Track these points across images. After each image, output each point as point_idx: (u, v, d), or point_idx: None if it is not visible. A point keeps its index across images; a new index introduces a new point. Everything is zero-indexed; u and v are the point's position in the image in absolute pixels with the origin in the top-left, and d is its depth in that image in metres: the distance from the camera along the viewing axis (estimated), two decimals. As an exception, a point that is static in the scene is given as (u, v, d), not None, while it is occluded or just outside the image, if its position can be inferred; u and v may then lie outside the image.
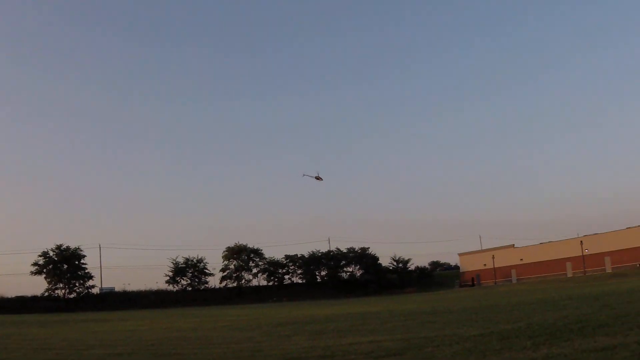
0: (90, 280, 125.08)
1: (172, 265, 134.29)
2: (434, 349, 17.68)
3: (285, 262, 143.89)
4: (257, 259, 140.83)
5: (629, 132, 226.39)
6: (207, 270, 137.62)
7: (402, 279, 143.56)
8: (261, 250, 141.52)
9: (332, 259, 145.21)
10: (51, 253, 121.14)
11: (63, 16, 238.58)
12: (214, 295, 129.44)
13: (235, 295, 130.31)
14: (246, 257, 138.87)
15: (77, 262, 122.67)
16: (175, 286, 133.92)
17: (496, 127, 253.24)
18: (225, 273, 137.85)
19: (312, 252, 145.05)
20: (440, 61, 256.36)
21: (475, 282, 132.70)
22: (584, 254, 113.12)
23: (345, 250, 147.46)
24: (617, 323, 19.48)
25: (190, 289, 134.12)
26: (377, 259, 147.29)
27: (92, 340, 29.69)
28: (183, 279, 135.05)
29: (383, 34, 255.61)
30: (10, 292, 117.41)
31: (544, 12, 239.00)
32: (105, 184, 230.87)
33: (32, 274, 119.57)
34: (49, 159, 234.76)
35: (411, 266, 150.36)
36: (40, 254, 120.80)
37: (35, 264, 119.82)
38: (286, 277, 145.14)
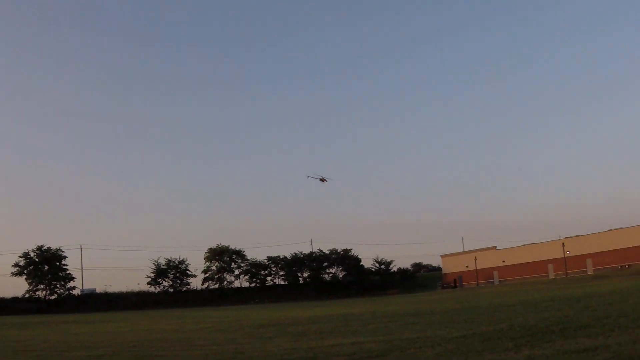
0: (72, 282, 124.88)
1: (153, 266, 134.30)
2: (417, 350, 17.64)
3: (267, 263, 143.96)
4: (239, 261, 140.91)
5: (611, 135, 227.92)
6: (189, 272, 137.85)
7: (384, 280, 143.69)
8: (243, 251, 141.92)
9: (315, 261, 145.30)
10: (32, 254, 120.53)
11: (42, 12, 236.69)
12: (196, 297, 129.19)
13: (217, 296, 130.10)
14: (228, 259, 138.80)
15: (58, 263, 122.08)
16: (157, 287, 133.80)
17: (479, 129, 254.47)
18: (207, 274, 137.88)
19: (295, 253, 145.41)
20: (421, 60, 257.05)
21: (457, 284, 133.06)
22: (566, 255, 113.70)
23: (327, 252, 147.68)
24: (598, 324, 19.54)
25: (172, 290, 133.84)
26: (360, 261, 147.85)
27: (74, 342, 29.58)
28: (165, 281, 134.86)
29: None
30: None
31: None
32: (87, 184, 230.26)
33: (12, 275, 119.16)
34: (30, 159, 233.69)
35: (394, 268, 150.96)
36: (20, 254, 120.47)
37: (15, 265, 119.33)
38: (268, 278, 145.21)
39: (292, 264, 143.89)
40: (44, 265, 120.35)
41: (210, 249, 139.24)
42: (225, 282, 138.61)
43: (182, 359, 20.33)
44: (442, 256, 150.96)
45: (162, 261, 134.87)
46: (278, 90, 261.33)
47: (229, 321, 45.10)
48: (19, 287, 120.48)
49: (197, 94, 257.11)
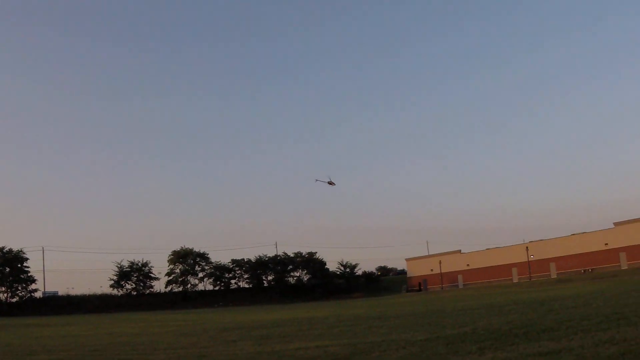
0: (33, 284, 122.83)
1: (116, 269, 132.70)
2: (381, 353, 17.66)
3: (231, 266, 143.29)
4: (204, 263, 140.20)
5: (574, 140, 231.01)
6: (152, 274, 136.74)
7: (349, 283, 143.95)
8: (207, 254, 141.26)
9: (279, 264, 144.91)
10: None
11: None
12: (159, 300, 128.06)
13: (181, 299, 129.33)
14: (192, 261, 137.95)
15: (19, 265, 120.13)
16: (120, 290, 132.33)
17: (441, 133, 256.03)
18: (170, 277, 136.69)
19: (259, 256, 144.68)
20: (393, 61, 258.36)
21: (422, 287, 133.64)
22: (530, 259, 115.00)
23: (292, 255, 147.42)
24: (561, 328, 19.64)
25: (135, 293, 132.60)
26: (325, 264, 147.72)
27: (35, 346, 29.25)
28: (128, 283, 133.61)
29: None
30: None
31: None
32: (49, 185, 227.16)
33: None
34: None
35: (359, 271, 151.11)
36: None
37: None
38: (232, 281, 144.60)
39: (257, 267, 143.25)
40: (5, 267, 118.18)
41: (174, 251, 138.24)
42: (189, 285, 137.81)
43: (145, 363, 20.08)
44: (407, 260, 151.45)
45: (125, 263, 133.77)
46: (245, 92, 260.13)
47: (193, 324, 44.93)
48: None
49: (162, 94, 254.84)
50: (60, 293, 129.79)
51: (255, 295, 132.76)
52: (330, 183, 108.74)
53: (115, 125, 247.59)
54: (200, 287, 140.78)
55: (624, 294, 36.66)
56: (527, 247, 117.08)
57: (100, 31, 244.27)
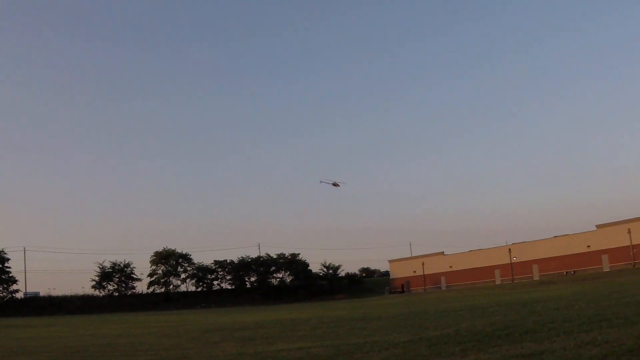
0: (14, 285, 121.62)
1: (98, 269, 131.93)
2: (364, 355, 17.62)
3: (214, 267, 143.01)
4: (186, 264, 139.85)
5: (556, 143, 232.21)
6: (134, 275, 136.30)
7: (332, 285, 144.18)
8: (190, 255, 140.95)
9: (262, 265, 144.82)
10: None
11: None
12: (141, 301, 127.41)
13: (163, 300, 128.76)
14: (174, 262, 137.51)
15: (1, 266, 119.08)
16: (102, 291, 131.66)
17: (425, 136, 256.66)
18: (153, 278, 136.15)
19: (242, 257, 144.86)
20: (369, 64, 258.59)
21: (405, 289, 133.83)
22: (512, 261, 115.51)
23: (275, 256, 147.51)
24: (544, 329, 19.65)
25: (117, 294, 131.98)
26: (308, 265, 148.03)
27: (16, 347, 29.00)
28: (110, 284, 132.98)
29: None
30: None
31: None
32: (31, 185, 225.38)
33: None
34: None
35: (341, 273, 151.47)
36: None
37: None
38: (215, 282, 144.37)
39: (239, 268, 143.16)
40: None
41: (157, 252, 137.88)
42: (172, 286, 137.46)
43: (126, 364, 19.95)
44: (390, 261, 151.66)
45: (107, 264, 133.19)
46: (228, 92, 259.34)
47: (175, 326, 44.77)
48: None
49: (145, 94, 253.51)
50: (41, 294, 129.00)
51: (238, 296, 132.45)
52: (335, 184, 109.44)
53: (98, 125, 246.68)
54: (183, 288, 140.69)
55: (606, 295, 36.81)
56: (509, 249, 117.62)
57: (88, 28, 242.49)
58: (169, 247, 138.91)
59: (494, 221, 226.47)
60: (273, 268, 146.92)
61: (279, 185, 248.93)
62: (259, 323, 40.89)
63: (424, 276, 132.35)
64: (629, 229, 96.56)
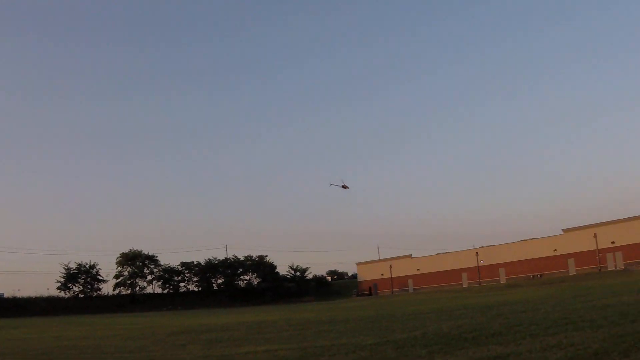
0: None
1: (64, 270, 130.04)
2: (330, 357, 17.63)
3: (181, 269, 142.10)
4: (152, 266, 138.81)
5: (524, 149, 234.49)
6: (100, 277, 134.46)
7: (300, 287, 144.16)
8: (156, 256, 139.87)
9: (229, 267, 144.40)
10: None
11: None
12: (107, 303, 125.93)
13: (129, 302, 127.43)
14: (141, 264, 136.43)
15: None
16: (67, 293, 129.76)
17: (390, 137, 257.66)
18: (119, 280, 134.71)
19: (209, 259, 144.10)
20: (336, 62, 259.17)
21: (372, 292, 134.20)
22: (479, 264, 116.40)
23: (242, 258, 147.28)
24: (510, 332, 19.78)
25: (82, 295, 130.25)
26: (275, 267, 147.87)
27: (-22, 350, 28.44)
28: (75, 286, 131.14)
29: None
30: None
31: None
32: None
33: None
34: None
35: (309, 275, 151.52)
36: None
37: None
38: (182, 284, 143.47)
39: (206, 270, 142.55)
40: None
41: (123, 253, 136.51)
42: (138, 288, 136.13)
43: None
44: (358, 264, 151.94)
45: (73, 265, 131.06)
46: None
47: (141, 328, 44.49)
48: None
49: (109, 93, 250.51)
50: (6, 295, 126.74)
51: (205, 298, 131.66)
52: (344, 187, 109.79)
53: (60, 124, 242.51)
54: (149, 290, 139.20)
55: (571, 299, 37.26)
56: (477, 253, 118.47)
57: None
58: (135, 249, 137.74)
59: (462, 225, 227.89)
60: (240, 270, 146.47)
61: (247, 187, 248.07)
62: (225, 325, 40.76)
63: (392, 279, 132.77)
64: (595, 234, 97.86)
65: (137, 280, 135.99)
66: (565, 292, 50.00)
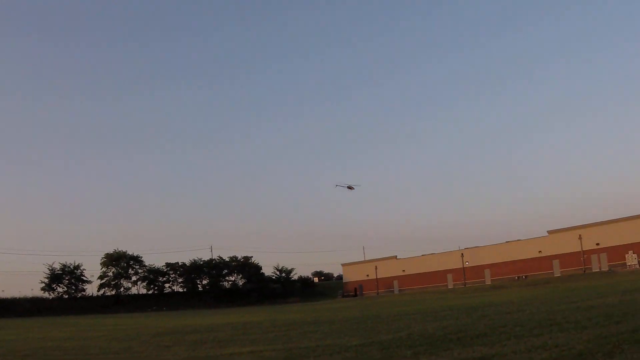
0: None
1: (48, 271, 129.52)
2: (315, 358, 17.59)
3: (165, 270, 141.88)
4: (137, 267, 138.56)
5: (510, 151, 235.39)
6: (84, 278, 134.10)
7: (285, 288, 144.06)
8: (141, 257, 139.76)
9: (214, 268, 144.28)
10: None
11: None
12: (92, 304, 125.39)
13: (114, 303, 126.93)
14: (125, 264, 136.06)
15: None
16: (51, 293, 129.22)
17: (377, 137, 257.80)
18: (103, 280, 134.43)
19: (194, 260, 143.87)
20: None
21: (358, 293, 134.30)
22: (465, 266, 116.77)
23: (227, 259, 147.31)
24: (495, 333, 19.80)
25: (66, 296, 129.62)
26: (260, 268, 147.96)
27: (-38, 351, 28.19)
28: (59, 286, 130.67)
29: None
30: None
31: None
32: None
33: None
34: None
35: (294, 276, 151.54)
36: None
37: None
38: (167, 285, 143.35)
39: (191, 270, 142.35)
40: None
41: (107, 254, 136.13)
42: (122, 289, 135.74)
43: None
44: (343, 265, 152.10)
45: (57, 266, 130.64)
46: (179, 90, 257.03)
47: (126, 329, 44.27)
48: None
49: (90, 92, 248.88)
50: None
51: (190, 299, 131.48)
52: (350, 187, 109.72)
53: (44, 122, 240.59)
54: (134, 290, 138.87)
55: (556, 300, 37.40)
56: (462, 254, 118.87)
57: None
58: (119, 249, 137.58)
59: (447, 226, 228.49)
60: (225, 271, 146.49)
61: (232, 187, 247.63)
62: (210, 326, 40.60)
63: (377, 280, 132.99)
64: (579, 235, 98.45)
65: (121, 281, 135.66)
66: (550, 294, 50.20)
